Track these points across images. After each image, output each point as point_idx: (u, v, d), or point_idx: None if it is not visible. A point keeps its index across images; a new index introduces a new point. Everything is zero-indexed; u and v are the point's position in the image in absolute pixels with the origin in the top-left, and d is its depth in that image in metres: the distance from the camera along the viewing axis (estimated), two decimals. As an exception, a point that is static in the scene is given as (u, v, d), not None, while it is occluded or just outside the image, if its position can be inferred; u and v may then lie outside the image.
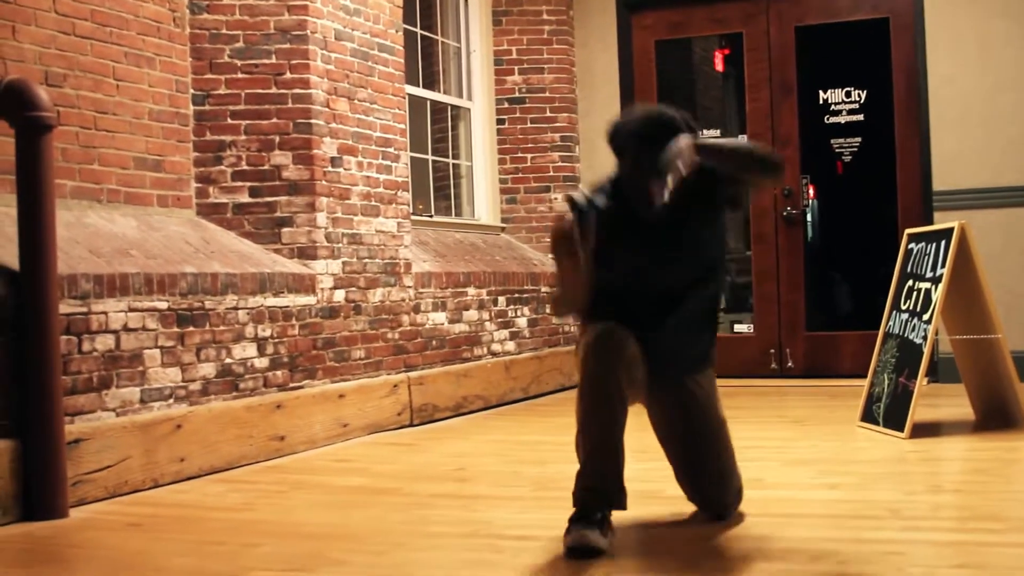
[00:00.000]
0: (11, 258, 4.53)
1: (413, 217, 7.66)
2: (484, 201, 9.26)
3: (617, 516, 3.84)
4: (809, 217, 9.29)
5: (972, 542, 3.73)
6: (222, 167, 6.29)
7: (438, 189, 8.90)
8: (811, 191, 9.30)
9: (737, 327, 9.47)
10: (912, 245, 6.43)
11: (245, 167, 6.32)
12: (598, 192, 4.05)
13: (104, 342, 4.93)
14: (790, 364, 9.07)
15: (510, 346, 8.32)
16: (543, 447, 6.23)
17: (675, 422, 4.11)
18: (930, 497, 4.55)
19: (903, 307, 6.29)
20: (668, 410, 4.12)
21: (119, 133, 5.71)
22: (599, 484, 3.79)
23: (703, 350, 4.15)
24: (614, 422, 3.81)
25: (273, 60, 6.37)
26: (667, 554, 3.74)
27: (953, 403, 6.79)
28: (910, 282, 6.30)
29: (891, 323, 6.40)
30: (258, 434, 5.77)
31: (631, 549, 3.84)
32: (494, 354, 8.10)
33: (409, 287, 7.16)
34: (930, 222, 8.31)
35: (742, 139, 3.93)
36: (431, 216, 8.43)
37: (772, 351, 9.11)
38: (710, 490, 4.11)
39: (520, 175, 9.33)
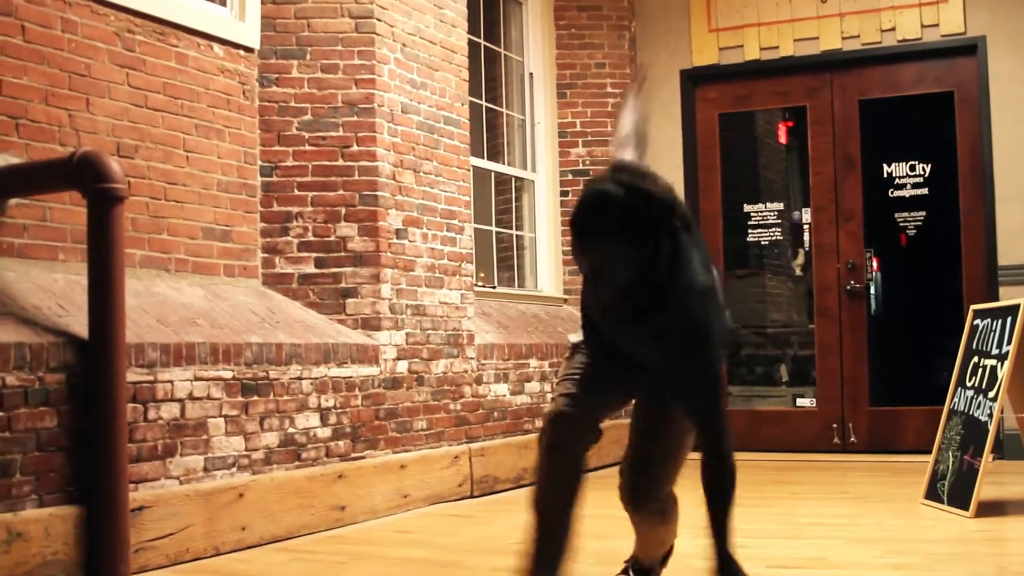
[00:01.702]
0: (80, 327, 4.60)
1: (476, 288, 7.70)
2: (547, 272, 9.28)
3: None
4: (872, 290, 9.24)
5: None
6: (288, 238, 6.37)
7: (501, 260, 8.94)
8: (875, 264, 9.26)
9: (800, 401, 9.41)
10: (977, 321, 6.38)
11: (311, 238, 6.39)
12: None
13: (169, 410, 4.99)
14: (853, 439, 9.00)
15: (571, 418, 8.29)
16: (603, 520, 6.19)
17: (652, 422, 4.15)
18: (997, 579, 4.50)
19: (968, 384, 6.24)
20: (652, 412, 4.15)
21: (188, 203, 5.80)
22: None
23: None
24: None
25: (340, 133, 6.45)
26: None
27: (1019, 481, 6.72)
28: (975, 358, 6.25)
29: (956, 400, 6.34)
30: (319, 504, 5.79)
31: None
32: (555, 426, 8.08)
33: (472, 358, 7.19)
34: (995, 297, 8.25)
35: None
36: (494, 287, 8.46)
37: (835, 426, 9.04)
38: (643, 482, 4.21)
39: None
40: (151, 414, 4.89)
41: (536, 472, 3.91)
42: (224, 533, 5.18)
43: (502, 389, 7.51)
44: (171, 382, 5.00)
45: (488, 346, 7.40)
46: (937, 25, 8.80)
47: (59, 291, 4.87)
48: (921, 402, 8.74)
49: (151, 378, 4.89)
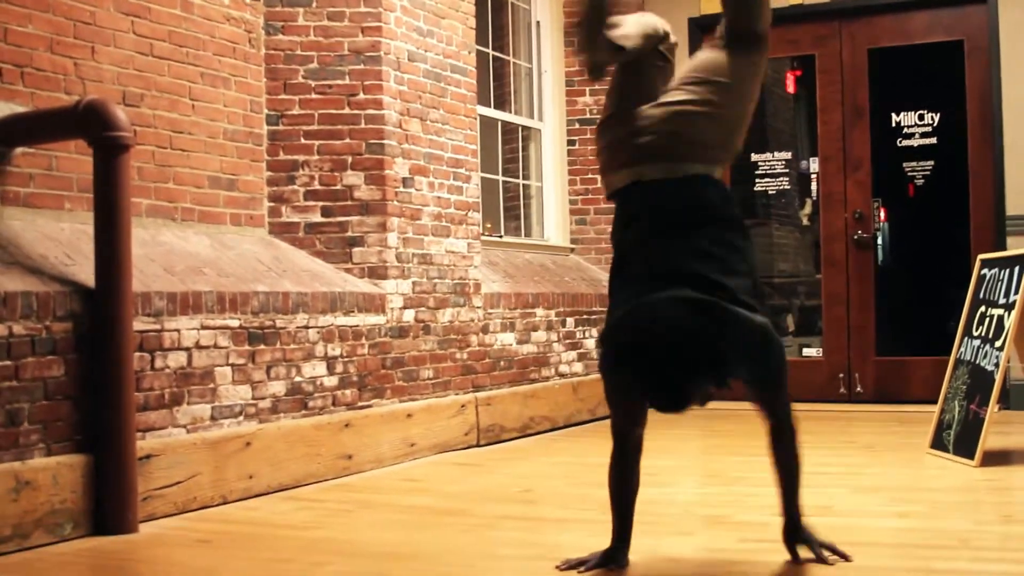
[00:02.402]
0: (87, 276, 4.60)
1: (483, 238, 7.69)
2: (554, 222, 9.27)
3: (683, 542, 3.83)
4: (880, 240, 9.22)
5: (1043, 575, 3.69)
6: (295, 187, 6.35)
7: (508, 209, 8.93)
8: (882, 214, 9.23)
9: (806, 351, 9.41)
10: (985, 271, 6.37)
11: (317, 187, 6.38)
12: None
13: (176, 359, 5.00)
14: (859, 389, 9.00)
15: (578, 367, 8.32)
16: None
17: None
18: (1000, 527, 4.50)
19: (975, 333, 6.23)
20: None
21: (194, 152, 5.78)
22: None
23: None
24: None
25: (347, 81, 6.42)
26: (733, 581, 3.72)
27: (1025, 431, 6.71)
28: (982, 308, 6.24)
29: (963, 349, 6.33)
30: (326, 452, 5.81)
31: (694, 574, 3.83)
32: (562, 375, 8.11)
33: (478, 307, 7.19)
34: (1003, 247, 8.23)
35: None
36: (500, 236, 8.46)
37: (841, 376, 9.05)
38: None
39: (590, 196, 9.34)
40: (158, 363, 4.90)
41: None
42: (231, 482, 5.20)
43: (508, 338, 7.51)
44: (178, 331, 5.01)
45: (494, 295, 7.40)
46: (948, -27, 8.74)
47: (66, 240, 4.87)
48: (928, 352, 8.73)
49: (158, 327, 4.90)
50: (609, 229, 9.12)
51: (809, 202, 9.63)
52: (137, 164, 5.33)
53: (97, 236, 4.60)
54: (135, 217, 5.08)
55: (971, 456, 5.81)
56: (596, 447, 7.00)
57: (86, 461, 4.48)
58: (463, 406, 6.93)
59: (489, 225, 8.43)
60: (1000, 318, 5.98)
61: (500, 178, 8.71)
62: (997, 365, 5.86)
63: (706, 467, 6.38)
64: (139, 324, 4.77)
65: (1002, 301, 6.02)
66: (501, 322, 7.45)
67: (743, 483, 5.52)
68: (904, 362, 8.95)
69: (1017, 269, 5.94)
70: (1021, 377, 6.53)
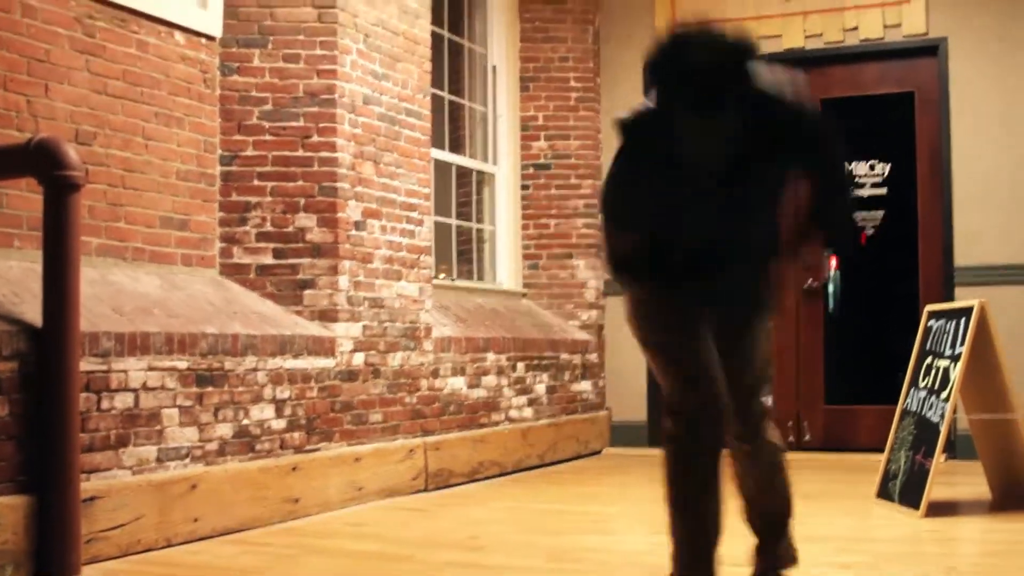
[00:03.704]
0: (35, 315, 4.57)
1: (435, 282, 7.70)
2: (506, 266, 9.29)
3: None
4: (831, 288, 9.28)
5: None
6: (247, 228, 6.34)
7: (461, 253, 8.94)
8: (833, 262, 9.30)
9: (756, 398, 9.44)
10: (932, 322, 6.43)
11: (269, 228, 6.37)
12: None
13: (123, 400, 4.97)
14: (808, 437, 9.05)
15: (527, 412, 8.32)
16: (558, 516, 6.23)
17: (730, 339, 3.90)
18: (944, 580, 4.53)
19: (921, 384, 6.28)
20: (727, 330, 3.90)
21: (146, 192, 5.77)
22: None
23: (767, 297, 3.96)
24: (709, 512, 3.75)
25: (301, 123, 6.43)
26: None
27: (970, 481, 6.76)
28: (929, 359, 6.30)
29: (909, 400, 6.38)
30: (272, 496, 5.78)
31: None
32: (511, 420, 8.11)
33: (429, 351, 7.18)
34: (951, 297, 8.32)
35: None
36: (453, 280, 8.47)
37: (790, 423, 9.09)
38: (746, 404, 3.93)
39: (543, 241, 9.36)
40: (104, 404, 4.87)
41: (684, 472, 3.73)
42: (176, 524, 5.17)
43: (459, 383, 7.51)
44: (125, 372, 4.98)
45: (445, 339, 7.40)
46: (899, 25, 8.85)
47: (14, 278, 4.84)
48: (876, 401, 8.79)
49: (105, 367, 4.87)
50: (560, 274, 9.16)
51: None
52: (89, 203, 5.31)
53: (45, 275, 4.57)
54: (85, 256, 5.05)
55: (916, 506, 5.85)
56: (544, 494, 7.01)
57: (29, 502, 4.43)
58: (412, 450, 6.91)
59: (444, 266, 8.44)
60: (946, 370, 6.04)
61: (454, 222, 8.73)
62: (943, 416, 5.91)
63: (654, 515, 6.38)
64: (86, 364, 4.74)
65: (948, 352, 6.08)
66: (452, 366, 7.44)
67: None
68: (852, 410, 9.00)
69: (963, 321, 6.00)
70: (967, 428, 6.57)
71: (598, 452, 8.86)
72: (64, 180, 4.62)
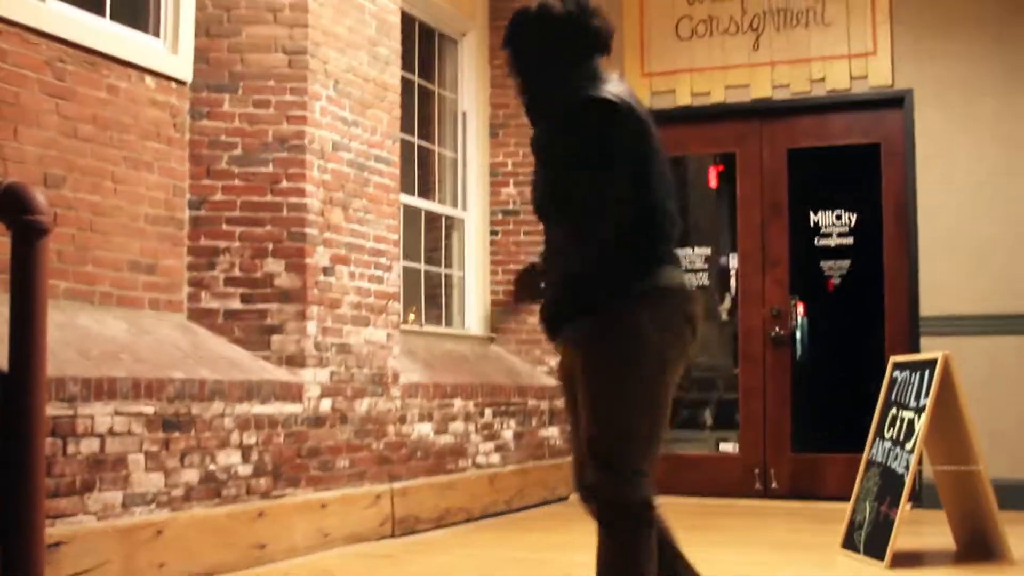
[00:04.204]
0: (0, 358, 4.54)
1: (403, 327, 7.70)
2: (475, 312, 9.30)
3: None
4: (798, 335, 9.34)
5: None
6: (215, 272, 6.34)
7: (429, 298, 8.94)
8: (800, 309, 9.36)
9: (723, 446, 9.48)
10: (897, 373, 6.47)
11: (238, 273, 6.36)
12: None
13: (89, 445, 4.94)
14: (774, 484, 9.07)
15: (495, 458, 8.31)
16: (524, 564, 6.22)
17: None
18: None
19: (886, 435, 6.32)
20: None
21: (115, 236, 5.77)
22: None
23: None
24: None
25: (270, 168, 6.44)
26: None
27: (935, 531, 6.77)
28: (894, 410, 6.33)
29: (874, 450, 6.41)
30: (239, 542, 5.75)
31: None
32: (479, 466, 8.09)
33: (396, 397, 7.17)
34: (916, 346, 8.37)
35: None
36: (421, 326, 8.47)
37: (757, 471, 9.11)
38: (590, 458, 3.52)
39: (511, 287, 9.36)
40: (70, 448, 4.84)
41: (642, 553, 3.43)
42: (142, 571, 5.13)
43: (426, 428, 7.50)
44: (91, 416, 4.96)
45: (413, 385, 7.40)
46: (866, 77, 8.94)
47: (-21, 322, 4.82)
48: (843, 448, 8.81)
49: (71, 412, 4.85)
50: (528, 319, 9.15)
51: (728, 297, 9.74)
52: (56, 247, 5.30)
53: (12, 320, 4.53)
54: (52, 299, 5.02)
55: (881, 558, 5.87)
56: (511, 540, 7.00)
57: (-8, 548, 4.40)
58: (378, 496, 6.89)
59: (414, 308, 8.44)
60: (911, 421, 6.07)
61: (422, 267, 8.74)
62: (907, 468, 5.94)
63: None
64: (52, 409, 4.72)
65: (913, 404, 6.12)
66: (419, 412, 7.43)
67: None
68: (819, 459, 9.03)
69: (927, 373, 6.04)
70: (932, 478, 6.60)
71: (564, 498, 8.85)
72: (32, 225, 4.58)
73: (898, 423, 6.22)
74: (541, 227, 3.78)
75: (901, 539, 5.91)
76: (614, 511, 3.43)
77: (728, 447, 9.42)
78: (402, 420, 7.25)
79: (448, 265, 9.19)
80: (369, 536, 6.77)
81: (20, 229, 4.60)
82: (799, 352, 9.39)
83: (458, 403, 7.87)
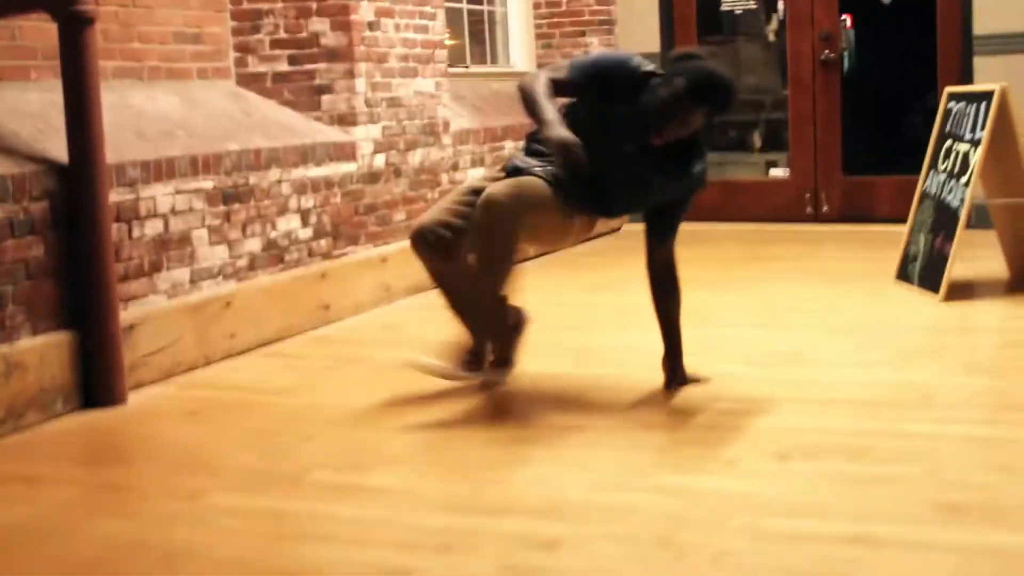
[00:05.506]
0: (60, 151, 4.59)
1: (450, 71, 7.64)
2: (519, 47, 9.21)
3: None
4: (847, 56, 9.21)
5: (1001, 439, 3.83)
6: (260, 36, 6.30)
7: (473, 35, 8.85)
8: (848, 23, 9.21)
9: (773, 171, 9.49)
10: (952, 104, 6.40)
11: (283, 35, 6.32)
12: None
13: (153, 227, 5.02)
14: (825, 208, 9.10)
15: (548, 197, 8.34)
16: (585, 310, 6.33)
17: None
18: (963, 379, 4.62)
19: (941, 168, 6.30)
20: None
21: (157, 8, 5.73)
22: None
23: None
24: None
25: (308, -75, 6.32)
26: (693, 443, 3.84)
27: (987, 254, 6.69)
28: (949, 142, 6.29)
29: (928, 183, 6.40)
30: (304, 304, 5.88)
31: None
32: (532, 206, 8.13)
33: (447, 145, 7.20)
34: (969, 67, 8.26)
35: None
36: (467, 67, 8.41)
37: (808, 195, 9.13)
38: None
39: (555, 19, 9.27)
40: (135, 232, 4.93)
41: None
42: (214, 342, 5.28)
43: (478, 174, 7.53)
44: (153, 198, 5.02)
45: (463, 131, 7.41)
46: None
47: (35, 112, 4.85)
48: (894, 171, 8.82)
49: (133, 196, 4.91)
50: (573, 52, 9.05)
51: (775, 17, 9.58)
52: (102, 26, 5.26)
53: (68, 113, 4.56)
54: (103, 81, 5.02)
55: (936, 290, 5.94)
56: (561, 278, 7.07)
57: (72, 337, 4.54)
58: (436, 246, 6.97)
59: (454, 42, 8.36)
60: (966, 154, 6.04)
61: (464, 6, 8.62)
62: (962, 201, 5.95)
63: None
64: (114, 195, 4.78)
65: (968, 136, 6.08)
66: (471, 158, 7.47)
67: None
68: (869, 181, 9.03)
69: (984, 105, 5.98)
70: (984, 202, 6.55)
71: (617, 230, 8.91)
72: (78, 15, 4.57)
73: (953, 155, 6.19)
74: None
75: (956, 267, 5.94)
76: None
77: (778, 172, 9.42)
78: (454, 167, 7.29)
79: (490, 2, 9.06)
80: (428, 286, 6.87)
81: (67, 21, 4.59)
82: (847, 68, 9.26)
83: (508, 145, 7.87)
